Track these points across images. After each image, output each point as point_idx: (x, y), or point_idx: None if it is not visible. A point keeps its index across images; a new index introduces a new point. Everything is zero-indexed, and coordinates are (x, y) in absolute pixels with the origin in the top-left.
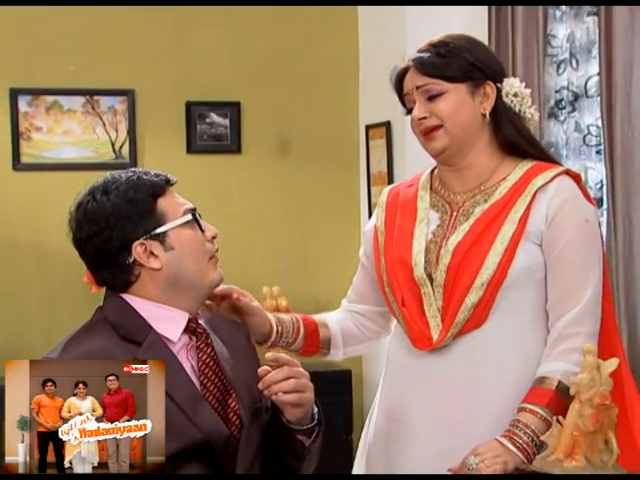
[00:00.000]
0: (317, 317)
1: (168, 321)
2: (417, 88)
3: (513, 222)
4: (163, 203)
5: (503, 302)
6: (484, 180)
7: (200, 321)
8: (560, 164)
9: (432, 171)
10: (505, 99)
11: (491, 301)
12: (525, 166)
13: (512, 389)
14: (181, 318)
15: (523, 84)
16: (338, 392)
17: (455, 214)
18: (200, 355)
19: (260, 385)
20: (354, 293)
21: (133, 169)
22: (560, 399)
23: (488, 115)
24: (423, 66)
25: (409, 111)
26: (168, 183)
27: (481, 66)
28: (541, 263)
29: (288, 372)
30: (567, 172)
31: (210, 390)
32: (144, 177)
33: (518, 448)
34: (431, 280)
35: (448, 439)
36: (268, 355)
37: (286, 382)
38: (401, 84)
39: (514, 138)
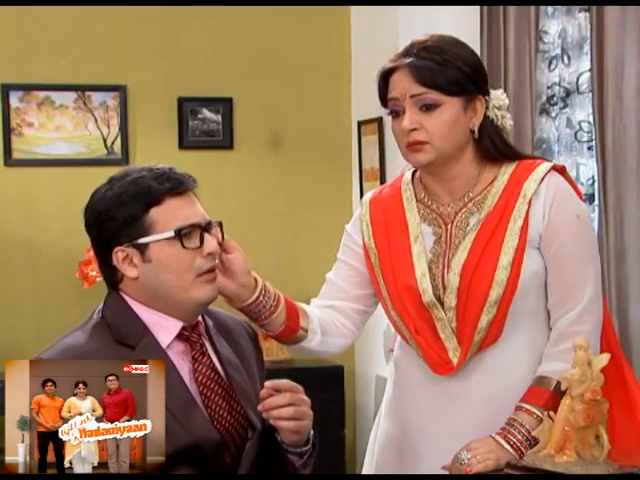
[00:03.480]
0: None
1: (160, 328)
2: (411, 97)
3: (515, 233)
4: (157, 212)
5: (515, 313)
6: (471, 187)
7: (201, 328)
8: (540, 158)
9: (412, 176)
10: (490, 112)
11: (505, 316)
12: (509, 167)
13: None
14: (173, 327)
15: (504, 95)
16: (331, 388)
17: (450, 227)
18: (196, 365)
19: (260, 407)
20: (333, 289)
21: (154, 166)
22: (558, 399)
23: (477, 130)
24: (420, 73)
25: (393, 114)
26: (173, 190)
27: (475, 79)
28: (543, 266)
29: (289, 399)
30: (553, 167)
31: (211, 398)
32: (149, 181)
33: (512, 446)
34: (441, 303)
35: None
36: (267, 384)
37: (286, 409)
38: (386, 84)
39: (492, 152)
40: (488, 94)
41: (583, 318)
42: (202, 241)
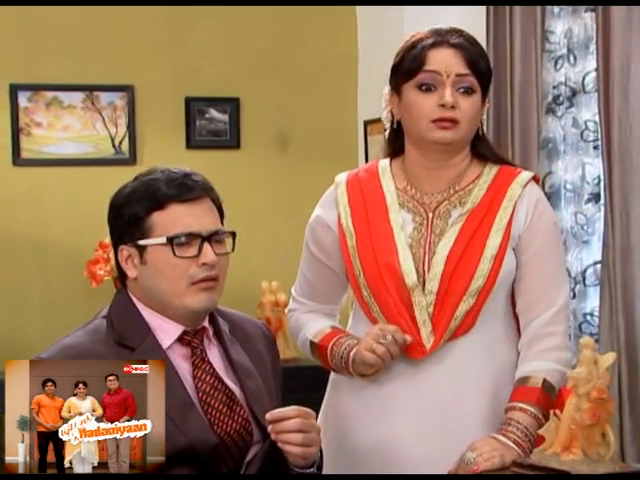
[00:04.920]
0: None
1: (162, 330)
2: (457, 75)
3: (500, 230)
4: (158, 217)
5: (487, 307)
6: (457, 181)
7: (208, 333)
8: (516, 165)
9: (390, 164)
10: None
11: (481, 307)
12: (493, 169)
13: (490, 391)
14: (174, 330)
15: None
16: None
17: (431, 216)
18: (195, 371)
19: (269, 428)
20: (319, 293)
21: (173, 169)
22: (547, 397)
23: (482, 126)
24: (469, 54)
25: (424, 87)
26: (178, 197)
27: (490, 80)
28: (515, 266)
29: (300, 425)
30: (533, 177)
31: (210, 404)
32: (160, 183)
33: (514, 442)
34: (422, 287)
35: (435, 444)
36: (268, 416)
37: (295, 435)
38: (423, 56)
39: (485, 152)
40: None
41: (558, 318)
42: (200, 251)
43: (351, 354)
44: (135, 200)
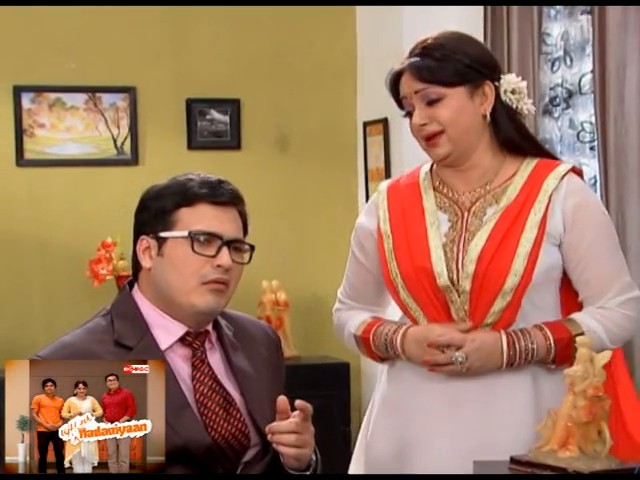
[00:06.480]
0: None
1: (163, 329)
2: (415, 93)
3: (534, 225)
4: (185, 213)
5: (527, 305)
6: (489, 180)
7: (211, 337)
8: (557, 158)
9: (431, 167)
10: (503, 97)
11: (518, 304)
12: (530, 164)
13: (529, 383)
14: (177, 330)
15: (519, 78)
16: (336, 384)
17: (466, 215)
18: (194, 373)
19: (266, 429)
20: (362, 296)
21: (208, 175)
22: (569, 347)
23: (489, 115)
24: (419, 72)
25: (408, 114)
26: (208, 198)
27: (478, 67)
28: (559, 263)
29: (294, 427)
30: (573, 169)
31: (207, 405)
32: (193, 183)
33: (509, 362)
34: (456, 287)
35: (467, 442)
36: (280, 399)
37: (287, 436)
38: (397, 87)
39: (514, 136)
40: (498, 80)
41: (631, 304)
42: (218, 252)
43: (398, 336)
44: (166, 195)
